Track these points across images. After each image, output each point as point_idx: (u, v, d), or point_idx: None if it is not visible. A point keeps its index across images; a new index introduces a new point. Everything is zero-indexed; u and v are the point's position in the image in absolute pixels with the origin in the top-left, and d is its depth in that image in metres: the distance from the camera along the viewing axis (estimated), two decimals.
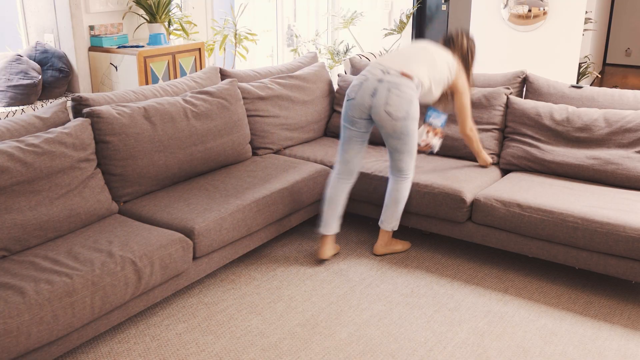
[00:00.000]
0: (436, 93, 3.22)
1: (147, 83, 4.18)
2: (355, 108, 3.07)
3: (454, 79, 3.25)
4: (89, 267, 2.37)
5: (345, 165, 3.19)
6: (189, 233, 2.77)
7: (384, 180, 3.38)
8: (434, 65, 3.15)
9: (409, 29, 7.00)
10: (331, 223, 3.26)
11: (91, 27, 4.28)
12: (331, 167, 3.58)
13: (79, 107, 3.02)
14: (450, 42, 3.36)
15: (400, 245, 3.43)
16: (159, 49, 4.26)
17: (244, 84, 3.78)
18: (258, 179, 3.30)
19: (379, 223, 3.33)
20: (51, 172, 2.66)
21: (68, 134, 2.78)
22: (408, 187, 3.21)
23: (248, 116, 3.73)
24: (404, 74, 3.02)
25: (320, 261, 3.31)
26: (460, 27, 3.44)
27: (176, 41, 4.78)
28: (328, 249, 3.30)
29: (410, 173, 3.19)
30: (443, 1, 7.14)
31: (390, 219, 3.28)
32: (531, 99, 3.71)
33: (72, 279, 2.29)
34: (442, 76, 3.19)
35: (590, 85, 7.72)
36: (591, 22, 6.69)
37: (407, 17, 6.76)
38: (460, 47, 3.34)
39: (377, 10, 7.07)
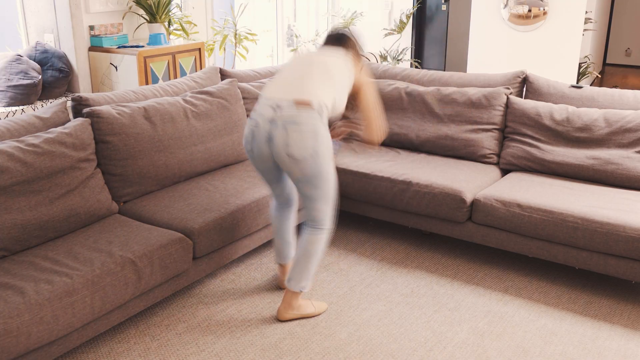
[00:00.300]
0: (342, 104, 2.73)
1: (147, 83, 4.19)
2: (257, 160, 2.66)
3: (356, 76, 2.77)
4: (89, 267, 2.37)
5: (278, 197, 2.86)
6: (189, 233, 2.77)
7: (384, 180, 3.38)
8: (332, 74, 2.65)
9: (409, 29, 7.01)
10: (285, 252, 2.96)
11: (91, 27, 4.28)
12: None
13: (79, 107, 3.02)
14: (341, 39, 2.82)
15: (312, 308, 2.82)
16: (159, 49, 4.26)
17: (244, 84, 3.78)
18: (258, 179, 3.30)
19: (286, 282, 2.76)
20: (51, 172, 2.66)
21: (68, 134, 2.78)
22: (324, 239, 2.71)
23: (248, 116, 3.73)
24: (299, 103, 2.51)
25: (283, 289, 2.99)
26: (340, 25, 3.03)
27: (176, 41, 4.78)
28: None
29: (328, 223, 2.69)
30: (443, 1, 7.14)
31: (299, 276, 2.70)
32: (531, 99, 3.71)
33: (72, 279, 2.29)
34: (345, 82, 2.71)
35: (590, 85, 7.72)
36: (591, 22, 6.69)
37: (407, 17, 6.76)
38: (352, 41, 2.84)
39: (377, 10, 7.08)
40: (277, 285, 3.08)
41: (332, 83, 2.63)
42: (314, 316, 2.81)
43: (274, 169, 2.69)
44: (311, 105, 2.52)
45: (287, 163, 2.54)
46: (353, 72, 2.74)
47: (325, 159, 2.56)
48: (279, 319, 2.78)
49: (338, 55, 2.73)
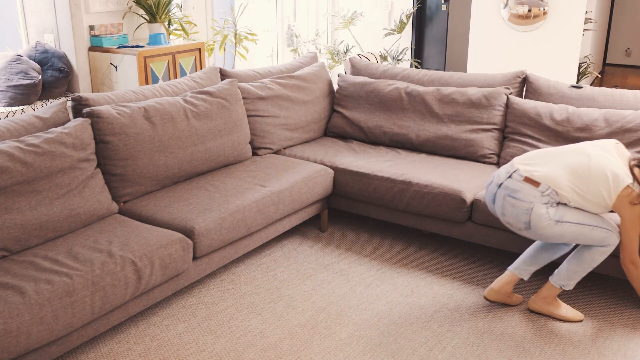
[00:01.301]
0: (599, 202, 2.56)
1: (147, 83, 4.19)
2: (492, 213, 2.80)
3: (616, 195, 2.51)
4: (89, 267, 2.37)
5: None
6: (189, 233, 2.77)
7: (383, 180, 3.38)
8: (581, 163, 2.56)
9: (409, 29, 7.00)
10: (521, 265, 2.83)
11: (91, 27, 4.28)
12: (331, 167, 3.58)
13: (79, 107, 3.02)
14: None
15: (564, 311, 2.81)
16: (159, 49, 4.26)
17: (244, 84, 3.78)
18: (258, 179, 3.30)
19: (551, 277, 2.76)
20: (51, 172, 2.66)
21: (68, 134, 2.78)
22: (601, 256, 2.65)
23: (248, 116, 3.73)
24: (527, 179, 2.57)
25: (485, 299, 2.92)
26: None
27: (176, 41, 4.78)
28: (499, 290, 2.86)
29: (604, 242, 2.60)
30: (443, 1, 7.14)
31: (567, 275, 2.71)
32: (531, 99, 3.71)
33: (72, 279, 2.29)
34: (599, 181, 2.53)
35: (590, 85, 7.72)
36: (591, 22, 6.69)
37: (407, 17, 6.75)
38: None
39: (377, 10, 7.08)
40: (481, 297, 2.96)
41: (579, 172, 2.55)
42: (564, 319, 2.78)
43: None
44: (538, 185, 2.57)
45: (508, 226, 2.72)
46: (617, 182, 2.51)
47: (543, 222, 2.56)
48: (531, 309, 2.84)
49: (612, 156, 2.58)
